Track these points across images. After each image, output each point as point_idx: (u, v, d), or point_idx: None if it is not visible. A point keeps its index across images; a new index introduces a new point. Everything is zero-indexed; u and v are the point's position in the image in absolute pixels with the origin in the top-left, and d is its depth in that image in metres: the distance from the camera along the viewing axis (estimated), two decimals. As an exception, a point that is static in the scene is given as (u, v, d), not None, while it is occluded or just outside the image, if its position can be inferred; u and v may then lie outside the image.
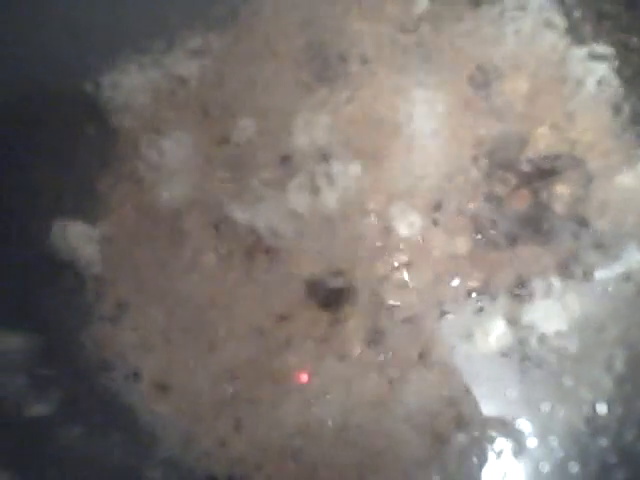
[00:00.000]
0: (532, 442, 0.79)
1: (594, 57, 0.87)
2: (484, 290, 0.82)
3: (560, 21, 0.89)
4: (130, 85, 0.88)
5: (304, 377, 0.80)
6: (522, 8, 0.90)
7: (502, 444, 0.79)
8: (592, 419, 0.79)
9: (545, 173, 0.85)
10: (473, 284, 0.82)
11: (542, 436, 0.79)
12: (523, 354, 0.80)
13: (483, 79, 0.88)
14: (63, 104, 0.85)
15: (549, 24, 0.89)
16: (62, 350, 0.79)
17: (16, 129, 0.81)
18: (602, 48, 0.87)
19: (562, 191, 0.84)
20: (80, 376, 0.79)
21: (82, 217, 0.84)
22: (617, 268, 0.82)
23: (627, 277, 0.82)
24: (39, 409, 0.74)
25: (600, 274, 0.82)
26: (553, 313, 0.81)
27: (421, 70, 0.89)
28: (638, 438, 0.78)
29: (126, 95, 0.87)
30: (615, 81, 0.87)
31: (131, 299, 0.82)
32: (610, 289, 0.82)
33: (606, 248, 0.82)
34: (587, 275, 0.82)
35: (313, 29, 0.90)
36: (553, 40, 0.89)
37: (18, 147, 0.81)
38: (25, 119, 0.82)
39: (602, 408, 0.79)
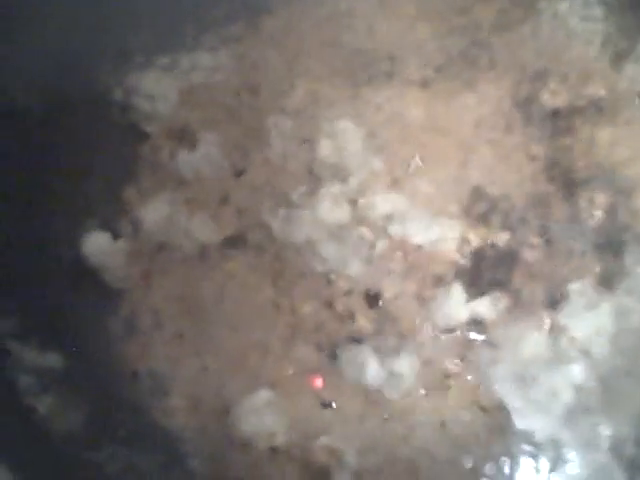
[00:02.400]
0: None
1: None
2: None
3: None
4: (157, 90, 0.88)
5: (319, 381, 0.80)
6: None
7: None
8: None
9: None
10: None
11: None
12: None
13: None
14: (88, 111, 0.85)
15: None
16: (90, 366, 0.79)
17: (41, 137, 0.82)
18: None
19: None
20: (109, 391, 0.79)
21: (110, 229, 0.84)
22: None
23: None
24: (68, 425, 0.74)
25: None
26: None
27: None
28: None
29: (153, 101, 0.88)
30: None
31: (162, 313, 0.83)
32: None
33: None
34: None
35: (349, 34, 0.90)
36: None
37: (44, 154, 0.82)
38: (50, 126, 0.82)
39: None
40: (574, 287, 0.81)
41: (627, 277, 0.81)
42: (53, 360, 0.77)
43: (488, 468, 0.78)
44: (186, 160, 0.86)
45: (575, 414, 0.78)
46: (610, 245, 0.82)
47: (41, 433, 0.73)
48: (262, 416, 0.78)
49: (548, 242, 0.82)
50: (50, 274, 0.81)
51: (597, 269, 0.81)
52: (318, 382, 0.80)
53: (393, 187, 0.85)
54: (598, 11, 0.88)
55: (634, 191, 0.83)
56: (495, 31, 0.89)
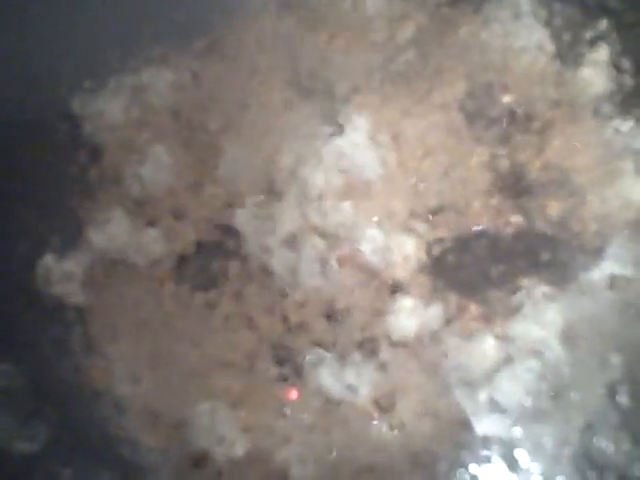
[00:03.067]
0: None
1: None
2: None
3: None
4: (112, 109, 0.88)
5: (294, 393, 0.81)
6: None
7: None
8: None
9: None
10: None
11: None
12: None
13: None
14: (41, 130, 0.85)
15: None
16: (48, 384, 0.79)
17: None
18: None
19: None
20: (67, 410, 0.79)
21: (65, 249, 0.84)
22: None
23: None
24: (26, 446, 0.74)
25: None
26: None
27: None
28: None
29: (107, 119, 0.88)
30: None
31: (117, 331, 0.83)
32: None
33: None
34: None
35: (299, 60, 0.90)
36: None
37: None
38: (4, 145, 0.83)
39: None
40: (524, 292, 0.84)
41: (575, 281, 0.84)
42: (10, 379, 0.77)
43: (445, 474, 0.80)
44: (137, 176, 0.86)
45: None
46: (559, 250, 0.85)
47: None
48: (221, 429, 0.79)
49: (500, 251, 0.85)
50: (6, 293, 0.81)
51: (547, 274, 0.84)
52: (293, 394, 0.81)
53: (346, 197, 0.86)
54: (544, 13, 0.90)
55: (586, 198, 0.86)
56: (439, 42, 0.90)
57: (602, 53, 0.88)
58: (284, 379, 0.82)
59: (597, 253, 0.84)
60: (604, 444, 0.79)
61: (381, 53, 0.90)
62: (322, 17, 0.91)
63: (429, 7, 0.91)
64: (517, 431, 0.80)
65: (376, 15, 0.91)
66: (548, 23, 0.89)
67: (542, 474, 0.80)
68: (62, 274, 0.82)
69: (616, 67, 0.88)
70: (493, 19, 0.90)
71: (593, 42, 0.89)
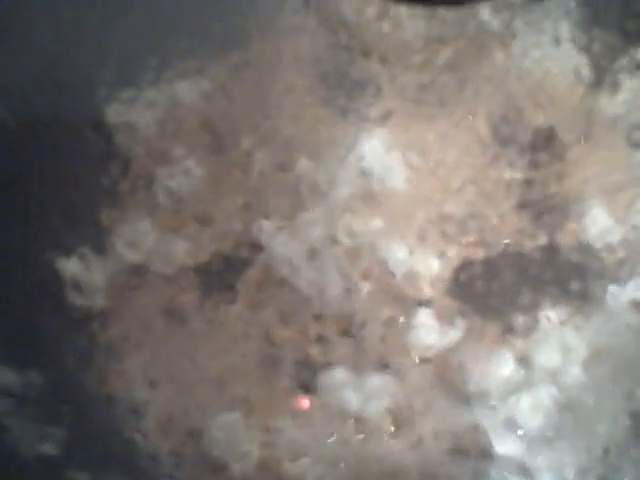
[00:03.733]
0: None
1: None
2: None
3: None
4: (145, 120, 0.89)
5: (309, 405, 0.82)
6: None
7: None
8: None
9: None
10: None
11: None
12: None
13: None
14: (73, 138, 0.87)
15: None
16: (68, 390, 0.81)
17: (22, 157, 0.84)
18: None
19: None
20: (85, 415, 0.80)
21: (87, 250, 0.85)
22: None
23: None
24: (46, 449, 0.76)
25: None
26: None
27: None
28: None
29: (140, 130, 0.89)
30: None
31: (135, 335, 0.84)
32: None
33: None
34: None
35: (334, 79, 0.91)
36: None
37: (23, 175, 0.84)
38: (32, 147, 0.84)
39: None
40: (545, 314, 0.84)
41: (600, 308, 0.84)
42: (27, 380, 0.78)
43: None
44: (166, 188, 0.88)
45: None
46: (586, 276, 0.85)
47: (13, 454, 0.75)
48: (236, 439, 0.80)
49: (521, 271, 0.85)
50: (31, 301, 0.82)
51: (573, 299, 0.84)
52: (305, 403, 0.82)
53: (373, 214, 0.87)
54: (583, 39, 0.90)
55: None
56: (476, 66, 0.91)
57: (640, 80, 0.89)
58: (301, 391, 0.82)
59: (623, 280, 0.84)
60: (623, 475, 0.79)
61: (418, 75, 0.91)
62: (360, 37, 0.92)
63: (467, 31, 0.92)
64: (536, 456, 0.80)
65: (414, 37, 0.92)
66: (587, 49, 0.89)
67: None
68: (87, 282, 0.84)
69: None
70: (531, 44, 0.90)
71: (631, 69, 0.89)
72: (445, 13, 0.90)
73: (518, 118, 0.89)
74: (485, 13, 0.89)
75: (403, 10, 0.89)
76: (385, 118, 0.89)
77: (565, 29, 0.90)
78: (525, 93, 0.89)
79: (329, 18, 0.92)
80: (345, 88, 0.90)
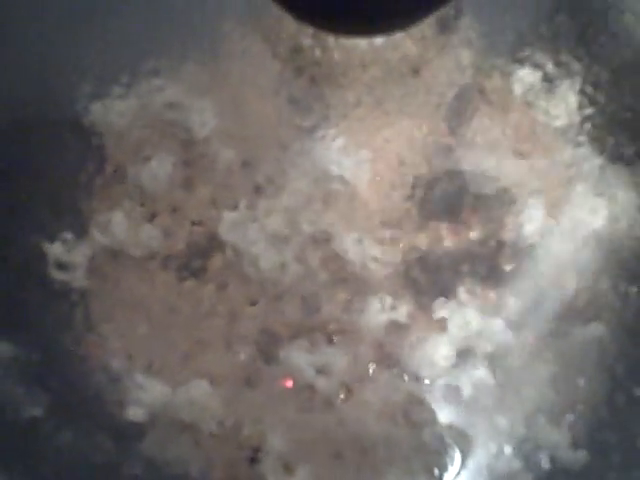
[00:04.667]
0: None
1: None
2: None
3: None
4: (117, 111, 0.97)
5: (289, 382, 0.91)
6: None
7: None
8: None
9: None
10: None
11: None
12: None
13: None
14: (49, 128, 0.95)
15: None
16: (51, 357, 0.89)
17: (10, 154, 0.93)
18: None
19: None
20: (67, 379, 0.89)
21: (69, 235, 0.93)
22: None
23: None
24: (32, 411, 0.84)
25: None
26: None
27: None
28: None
29: (113, 120, 0.96)
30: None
31: (116, 311, 0.92)
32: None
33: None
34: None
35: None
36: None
37: (11, 169, 0.92)
38: (10, 142, 0.92)
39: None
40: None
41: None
42: (18, 352, 0.87)
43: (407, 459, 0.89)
44: (139, 180, 0.96)
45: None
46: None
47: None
48: (202, 404, 0.89)
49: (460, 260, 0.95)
50: (17, 279, 0.91)
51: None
52: (288, 383, 0.90)
53: (329, 205, 0.96)
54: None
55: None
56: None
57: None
58: (263, 361, 0.91)
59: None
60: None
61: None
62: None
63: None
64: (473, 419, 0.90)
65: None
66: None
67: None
68: (69, 262, 0.92)
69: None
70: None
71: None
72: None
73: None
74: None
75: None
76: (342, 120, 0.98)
77: (467, 57, 0.99)
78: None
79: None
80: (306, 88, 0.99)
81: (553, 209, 0.94)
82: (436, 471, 0.89)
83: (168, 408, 0.88)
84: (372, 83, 0.98)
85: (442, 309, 0.92)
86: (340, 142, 0.96)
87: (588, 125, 0.96)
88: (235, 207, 0.95)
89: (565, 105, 0.96)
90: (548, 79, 0.97)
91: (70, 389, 0.88)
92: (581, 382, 0.91)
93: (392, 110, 0.97)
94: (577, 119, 0.96)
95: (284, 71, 0.99)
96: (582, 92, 0.96)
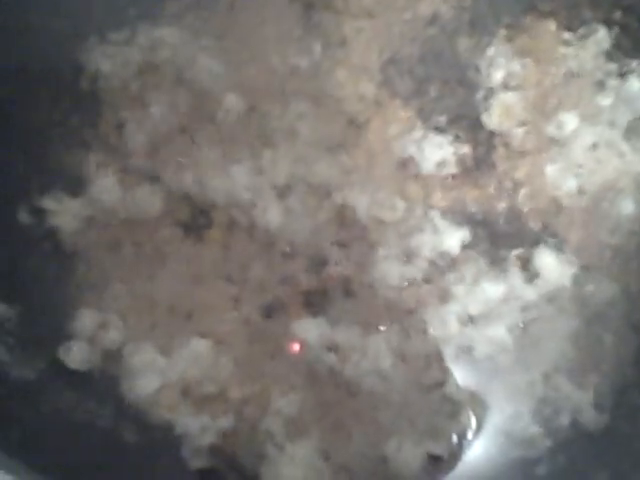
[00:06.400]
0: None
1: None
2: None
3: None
4: (114, 65, 0.94)
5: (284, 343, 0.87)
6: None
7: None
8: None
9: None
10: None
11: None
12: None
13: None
14: (44, 82, 0.91)
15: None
16: (43, 320, 0.86)
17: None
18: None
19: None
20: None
21: (62, 193, 0.90)
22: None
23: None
24: (24, 373, 0.82)
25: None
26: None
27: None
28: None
29: (108, 69, 0.93)
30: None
31: (110, 273, 0.90)
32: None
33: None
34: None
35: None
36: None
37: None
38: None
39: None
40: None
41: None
42: (9, 316, 0.84)
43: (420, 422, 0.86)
44: (134, 130, 0.93)
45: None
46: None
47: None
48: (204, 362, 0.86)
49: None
50: (9, 240, 0.88)
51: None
52: (295, 347, 0.87)
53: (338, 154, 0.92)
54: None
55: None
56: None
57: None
58: (267, 323, 0.88)
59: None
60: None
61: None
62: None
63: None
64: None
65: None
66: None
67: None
68: (62, 219, 0.89)
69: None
70: None
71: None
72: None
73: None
74: None
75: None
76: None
77: None
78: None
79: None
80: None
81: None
82: (448, 436, 0.85)
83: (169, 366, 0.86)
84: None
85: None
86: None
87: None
88: (237, 159, 0.92)
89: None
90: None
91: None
92: (606, 339, 0.87)
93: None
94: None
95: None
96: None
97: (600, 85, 0.91)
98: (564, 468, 0.83)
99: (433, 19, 0.95)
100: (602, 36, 0.92)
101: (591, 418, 0.84)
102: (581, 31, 0.92)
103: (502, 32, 0.94)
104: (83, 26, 0.93)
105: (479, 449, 0.85)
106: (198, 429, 0.83)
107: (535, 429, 0.85)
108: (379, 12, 0.96)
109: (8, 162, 0.88)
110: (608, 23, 0.92)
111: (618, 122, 0.90)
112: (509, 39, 0.94)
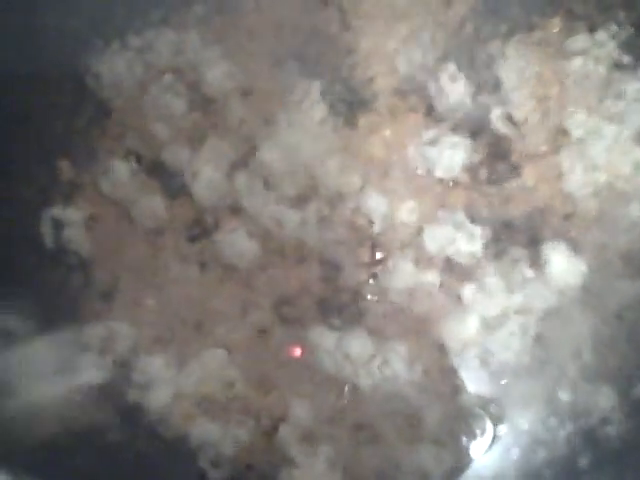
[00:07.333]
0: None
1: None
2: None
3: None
4: (116, 68, 0.93)
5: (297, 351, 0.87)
6: None
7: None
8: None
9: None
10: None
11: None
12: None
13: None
14: (50, 85, 0.91)
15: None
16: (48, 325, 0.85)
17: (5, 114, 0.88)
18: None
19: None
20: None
21: (69, 201, 0.90)
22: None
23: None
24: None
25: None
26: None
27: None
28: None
29: (112, 78, 0.92)
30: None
31: (119, 279, 0.89)
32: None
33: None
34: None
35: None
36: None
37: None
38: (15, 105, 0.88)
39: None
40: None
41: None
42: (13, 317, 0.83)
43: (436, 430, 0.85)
44: (139, 131, 0.92)
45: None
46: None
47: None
48: (218, 372, 0.85)
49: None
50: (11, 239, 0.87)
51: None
52: (297, 351, 0.86)
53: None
54: None
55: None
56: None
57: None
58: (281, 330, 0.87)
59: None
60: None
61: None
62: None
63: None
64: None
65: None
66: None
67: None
68: (66, 222, 0.89)
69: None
70: None
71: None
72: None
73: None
74: None
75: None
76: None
77: None
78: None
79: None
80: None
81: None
82: (465, 441, 0.85)
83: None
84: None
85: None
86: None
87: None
88: (248, 165, 0.91)
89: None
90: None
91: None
92: (622, 341, 0.86)
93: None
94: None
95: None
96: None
97: (616, 88, 0.91)
98: (585, 471, 0.83)
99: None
100: (624, 37, 0.91)
101: (611, 421, 0.84)
102: (601, 33, 0.92)
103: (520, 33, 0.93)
104: (86, 29, 0.93)
105: (496, 455, 0.85)
106: (215, 440, 0.82)
107: (552, 434, 0.85)
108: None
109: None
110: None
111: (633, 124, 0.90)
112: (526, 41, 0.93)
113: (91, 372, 0.84)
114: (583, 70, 0.91)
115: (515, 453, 0.85)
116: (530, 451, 0.85)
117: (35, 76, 0.89)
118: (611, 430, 0.83)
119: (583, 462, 0.83)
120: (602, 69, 0.91)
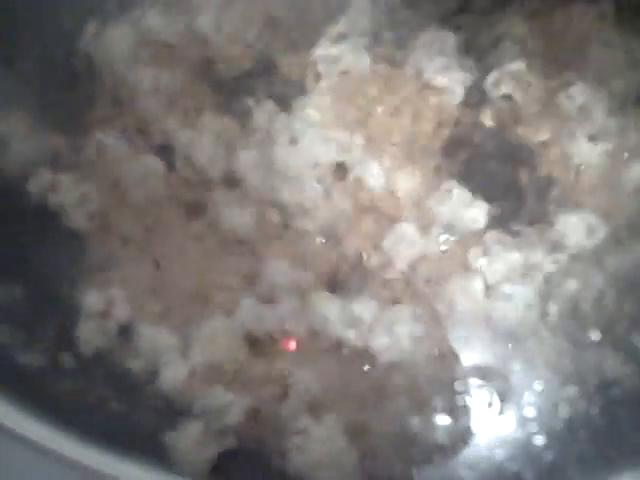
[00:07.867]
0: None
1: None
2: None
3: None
4: (114, 45, 0.93)
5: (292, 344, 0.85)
6: None
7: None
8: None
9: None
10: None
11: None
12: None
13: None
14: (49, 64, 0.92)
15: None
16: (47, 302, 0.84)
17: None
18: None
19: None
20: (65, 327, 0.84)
21: (66, 170, 0.89)
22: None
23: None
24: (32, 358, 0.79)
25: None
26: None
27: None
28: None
29: (110, 54, 0.93)
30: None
31: (118, 250, 0.88)
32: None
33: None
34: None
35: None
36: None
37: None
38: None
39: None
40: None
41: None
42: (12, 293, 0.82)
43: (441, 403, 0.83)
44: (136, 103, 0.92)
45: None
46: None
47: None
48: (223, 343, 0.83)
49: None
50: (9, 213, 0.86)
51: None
52: (291, 344, 0.85)
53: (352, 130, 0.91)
54: None
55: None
56: None
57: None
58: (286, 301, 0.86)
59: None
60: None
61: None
62: None
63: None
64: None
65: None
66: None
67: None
68: (61, 196, 0.88)
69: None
70: None
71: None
72: None
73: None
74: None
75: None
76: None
77: None
78: None
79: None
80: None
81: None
82: (470, 411, 0.83)
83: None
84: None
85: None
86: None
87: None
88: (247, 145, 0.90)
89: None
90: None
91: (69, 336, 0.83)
92: (629, 304, 0.85)
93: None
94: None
95: None
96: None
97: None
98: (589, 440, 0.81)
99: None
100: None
101: (623, 386, 0.82)
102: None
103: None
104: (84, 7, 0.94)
105: (502, 424, 0.83)
106: (221, 409, 0.80)
107: (560, 403, 0.83)
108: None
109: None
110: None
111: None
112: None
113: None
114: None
115: (519, 422, 0.83)
116: (535, 420, 0.83)
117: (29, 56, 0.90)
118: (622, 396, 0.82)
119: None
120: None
